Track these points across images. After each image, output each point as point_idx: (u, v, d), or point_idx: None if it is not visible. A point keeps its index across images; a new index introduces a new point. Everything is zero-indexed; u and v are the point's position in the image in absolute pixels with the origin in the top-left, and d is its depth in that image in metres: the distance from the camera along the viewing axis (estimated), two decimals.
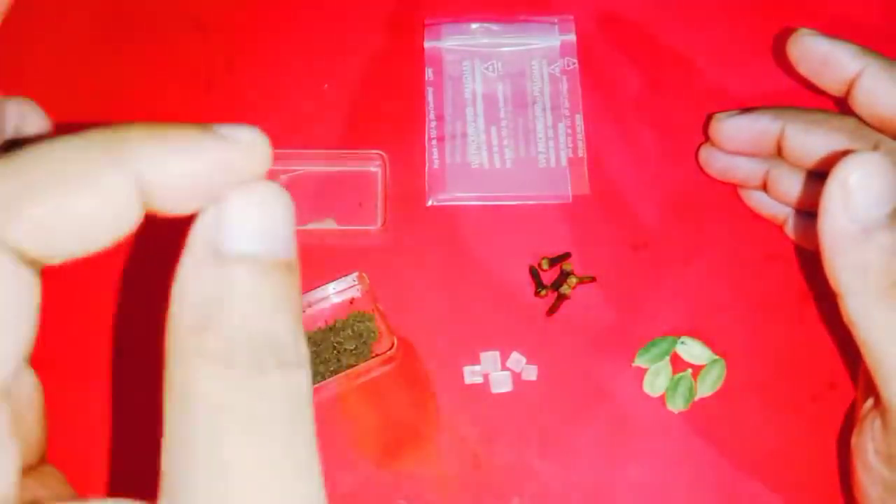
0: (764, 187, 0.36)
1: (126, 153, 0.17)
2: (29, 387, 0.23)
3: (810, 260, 0.37)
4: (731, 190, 0.38)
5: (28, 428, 0.22)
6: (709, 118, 0.37)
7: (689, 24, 0.42)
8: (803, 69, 0.34)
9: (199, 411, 0.17)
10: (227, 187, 0.17)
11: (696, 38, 0.42)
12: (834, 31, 0.33)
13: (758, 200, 0.37)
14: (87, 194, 0.17)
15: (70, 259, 0.17)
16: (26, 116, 0.28)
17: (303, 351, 0.17)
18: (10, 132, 0.28)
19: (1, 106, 0.28)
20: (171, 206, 0.18)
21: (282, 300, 0.17)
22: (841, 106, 0.34)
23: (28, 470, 0.22)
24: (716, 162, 0.37)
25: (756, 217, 0.38)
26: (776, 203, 0.37)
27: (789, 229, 0.37)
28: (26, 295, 0.17)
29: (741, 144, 0.36)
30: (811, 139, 0.33)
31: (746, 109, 0.36)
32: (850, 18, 0.42)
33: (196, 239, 0.17)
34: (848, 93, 0.33)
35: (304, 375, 0.17)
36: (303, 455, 0.17)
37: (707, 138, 0.38)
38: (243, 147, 0.18)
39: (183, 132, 0.18)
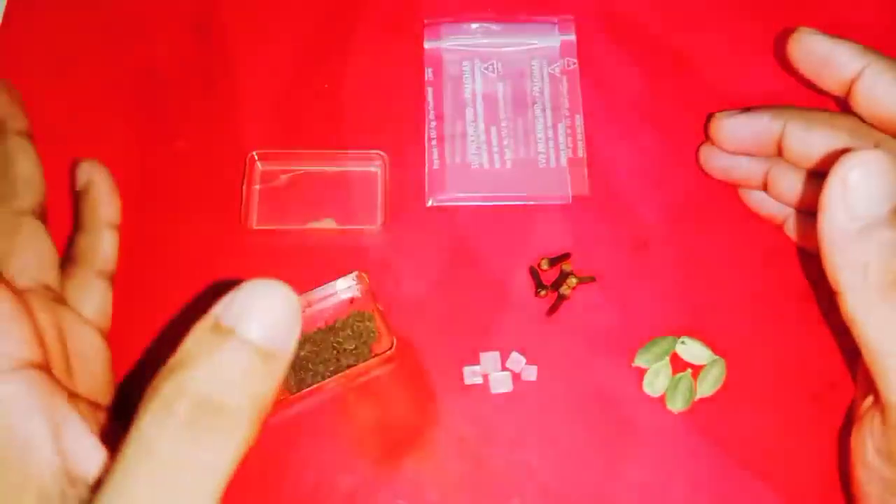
0: (764, 187, 0.36)
1: None
2: (95, 343, 0.30)
3: (810, 260, 0.37)
4: (731, 190, 0.38)
5: (95, 375, 0.28)
6: (709, 118, 0.37)
7: (689, 25, 0.42)
8: (804, 69, 0.34)
9: (132, 439, 0.20)
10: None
11: (697, 39, 0.42)
12: (834, 30, 0.33)
13: (757, 200, 0.37)
14: None
15: None
16: (94, 174, 0.35)
17: (242, 429, 0.20)
18: (79, 187, 0.35)
19: (75, 165, 0.35)
20: None
21: (246, 380, 0.20)
22: (841, 105, 0.34)
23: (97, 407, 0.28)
24: (716, 161, 0.37)
25: (756, 217, 0.38)
26: (776, 203, 0.37)
27: (789, 229, 0.37)
28: None
29: (741, 144, 0.36)
30: (811, 138, 0.33)
31: (746, 109, 0.36)
32: (849, 18, 0.42)
33: (211, 310, 0.21)
34: (848, 92, 0.33)
35: (227, 448, 0.20)
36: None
37: (707, 138, 0.38)
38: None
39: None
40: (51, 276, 0.31)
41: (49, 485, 0.22)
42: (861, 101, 0.32)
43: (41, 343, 0.26)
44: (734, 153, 0.36)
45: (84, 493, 0.23)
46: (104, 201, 0.35)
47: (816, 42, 0.33)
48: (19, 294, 0.26)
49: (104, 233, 0.35)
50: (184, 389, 0.20)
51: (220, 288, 0.38)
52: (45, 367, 0.25)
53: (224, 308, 0.21)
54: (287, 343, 0.21)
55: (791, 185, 0.35)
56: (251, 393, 0.21)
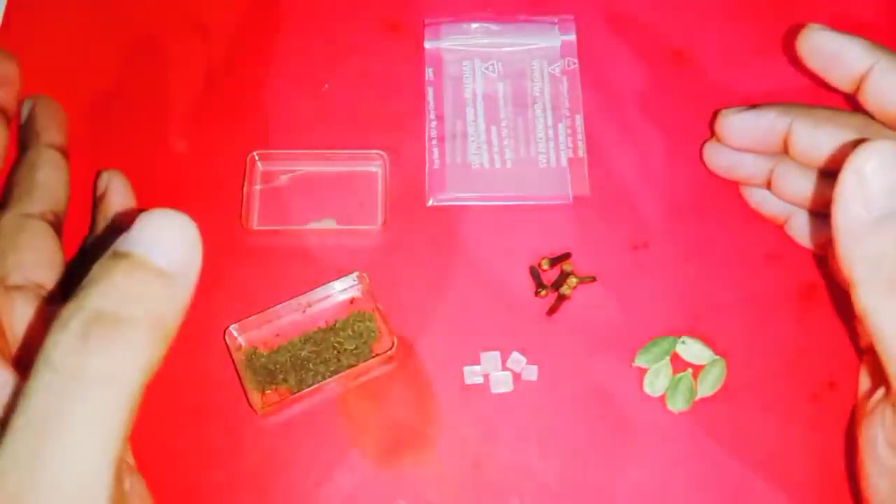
0: (767, 185, 0.36)
1: None
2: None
3: (810, 260, 0.37)
4: (732, 190, 0.38)
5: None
6: (715, 115, 0.37)
7: (689, 24, 0.42)
8: (813, 65, 0.34)
9: (36, 361, 0.21)
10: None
11: (697, 38, 0.42)
12: (841, 27, 0.33)
13: (760, 199, 0.37)
14: None
15: None
16: (111, 182, 0.36)
17: (136, 340, 0.21)
18: (98, 193, 0.36)
19: (99, 175, 0.37)
20: None
21: (143, 297, 0.22)
22: (850, 102, 0.34)
23: None
24: (720, 159, 0.37)
25: (756, 217, 0.38)
26: (779, 202, 0.37)
27: (791, 229, 0.37)
28: None
29: (747, 141, 0.36)
30: (819, 136, 0.33)
31: (752, 106, 0.36)
32: (856, 16, 0.42)
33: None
34: (858, 89, 0.32)
35: (124, 359, 0.21)
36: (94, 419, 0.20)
37: (711, 134, 0.38)
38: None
39: None
40: (47, 276, 0.32)
41: None
42: (870, 98, 0.32)
43: None
44: (739, 150, 0.36)
45: None
46: (115, 209, 0.36)
47: (826, 38, 0.33)
48: None
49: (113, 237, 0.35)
50: (79, 307, 0.21)
51: (221, 288, 0.38)
52: None
53: (123, 237, 0.22)
54: (187, 266, 0.23)
55: (795, 183, 0.35)
56: (148, 308, 0.22)
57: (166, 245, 0.22)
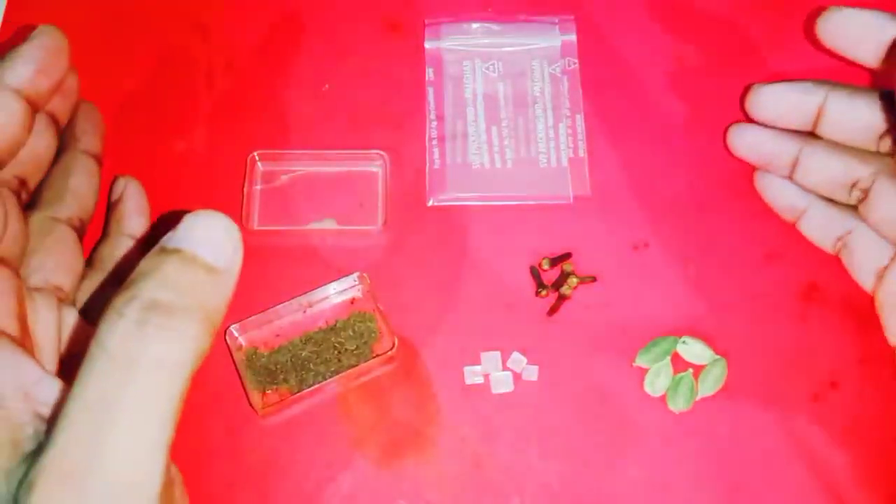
0: (789, 174, 0.36)
1: None
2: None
3: (811, 259, 0.37)
4: (732, 190, 0.38)
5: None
6: (746, 89, 0.36)
7: (689, 24, 0.42)
8: (835, 45, 0.33)
9: (89, 350, 0.22)
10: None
11: (697, 38, 0.42)
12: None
13: (777, 189, 0.37)
14: None
15: None
16: (127, 188, 0.37)
17: (190, 329, 0.22)
18: (112, 198, 0.37)
19: (115, 180, 0.37)
20: None
21: (193, 289, 0.23)
22: (876, 82, 0.34)
23: None
24: (745, 136, 0.37)
25: (756, 217, 0.38)
26: (796, 193, 0.36)
27: (805, 225, 0.37)
28: None
29: (779, 111, 0.35)
30: (856, 105, 0.33)
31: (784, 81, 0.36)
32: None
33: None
34: (886, 59, 0.32)
35: (177, 346, 0.22)
36: (155, 398, 0.21)
37: (715, 133, 0.37)
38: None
39: None
40: (66, 280, 0.32)
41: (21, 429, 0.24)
42: None
43: (22, 324, 0.27)
44: (770, 124, 0.36)
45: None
46: (129, 215, 0.36)
47: (851, 13, 0.32)
48: (17, 281, 0.27)
49: (123, 242, 0.36)
50: (134, 296, 0.22)
51: None
52: (14, 339, 0.26)
53: (170, 235, 0.23)
54: (231, 262, 0.24)
55: (822, 165, 0.35)
56: (199, 300, 0.23)
57: (214, 243, 0.23)
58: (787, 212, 0.37)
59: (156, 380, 0.21)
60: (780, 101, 0.35)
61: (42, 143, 0.33)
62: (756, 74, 0.41)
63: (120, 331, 0.21)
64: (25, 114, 0.29)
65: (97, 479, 0.21)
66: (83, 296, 0.33)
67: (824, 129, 0.34)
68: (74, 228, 0.34)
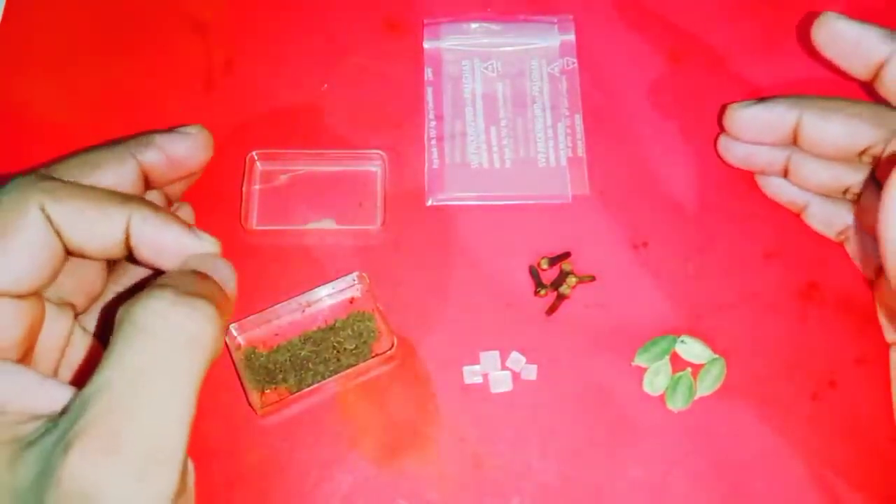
0: (784, 174, 0.36)
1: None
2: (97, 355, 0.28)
3: (810, 259, 0.37)
4: (732, 189, 0.38)
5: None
6: (721, 109, 0.37)
7: (689, 24, 0.42)
8: (828, 53, 0.33)
9: (123, 325, 0.24)
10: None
11: (697, 38, 0.42)
12: (854, 16, 0.33)
13: (777, 187, 0.37)
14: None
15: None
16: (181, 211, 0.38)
17: (212, 320, 0.25)
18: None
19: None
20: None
21: (206, 287, 0.26)
22: (867, 91, 0.34)
23: None
24: (735, 151, 0.37)
25: (756, 216, 0.38)
26: (796, 189, 0.37)
27: (809, 217, 0.37)
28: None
29: (757, 134, 0.36)
30: (829, 127, 0.33)
31: (761, 99, 0.36)
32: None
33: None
34: (875, 77, 0.32)
35: (198, 324, 0.24)
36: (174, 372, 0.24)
37: (718, 131, 0.37)
38: (207, 246, 0.29)
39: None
40: (81, 300, 0.31)
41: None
42: (889, 86, 0.32)
43: (29, 340, 0.27)
44: (751, 143, 0.36)
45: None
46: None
47: (843, 26, 0.32)
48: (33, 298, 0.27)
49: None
50: (165, 285, 0.25)
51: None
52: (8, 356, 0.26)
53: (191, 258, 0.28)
54: (234, 281, 0.28)
55: (811, 171, 0.35)
56: (217, 296, 0.26)
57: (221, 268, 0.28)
58: (789, 206, 0.38)
59: (187, 355, 0.24)
60: (754, 124, 0.35)
61: None
62: (755, 74, 0.41)
63: (154, 309, 0.24)
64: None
65: (131, 444, 0.22)
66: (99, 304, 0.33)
67: (804, 147, 0.34)
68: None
